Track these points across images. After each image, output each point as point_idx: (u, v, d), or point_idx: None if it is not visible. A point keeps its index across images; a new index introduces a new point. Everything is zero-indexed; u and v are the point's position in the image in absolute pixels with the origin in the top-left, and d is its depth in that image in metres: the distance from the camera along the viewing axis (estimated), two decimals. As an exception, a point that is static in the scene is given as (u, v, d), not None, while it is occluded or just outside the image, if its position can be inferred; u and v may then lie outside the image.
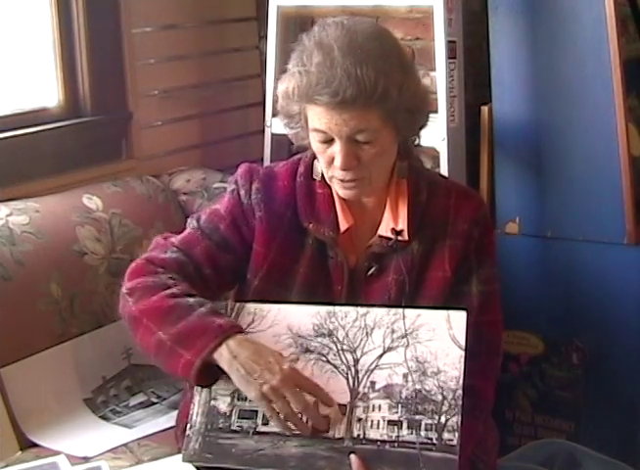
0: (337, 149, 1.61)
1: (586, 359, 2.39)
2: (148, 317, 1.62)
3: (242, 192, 1.75)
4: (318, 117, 1.60)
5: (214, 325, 1.57)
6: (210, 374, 1.57)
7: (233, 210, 1.75)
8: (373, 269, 1.72)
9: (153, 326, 1.60)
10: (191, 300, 1.62)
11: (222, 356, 1.55)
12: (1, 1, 2.31)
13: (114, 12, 2.47)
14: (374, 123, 1.59)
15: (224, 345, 1.55)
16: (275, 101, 1.73)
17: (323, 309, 1.61)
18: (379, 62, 1.57)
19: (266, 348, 1.57)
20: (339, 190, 1.69)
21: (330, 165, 1.65)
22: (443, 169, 2.28)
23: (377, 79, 1.55)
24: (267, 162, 2.54)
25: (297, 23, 2.60)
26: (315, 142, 1.65)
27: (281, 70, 1.73)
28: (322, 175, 1.72)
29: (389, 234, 1.70)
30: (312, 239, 1.73)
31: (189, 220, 1.79)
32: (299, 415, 1.51)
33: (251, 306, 1.65)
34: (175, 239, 1.75)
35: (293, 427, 1.52)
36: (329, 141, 1.62)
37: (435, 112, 2.23)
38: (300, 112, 1.65)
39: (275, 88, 1.75)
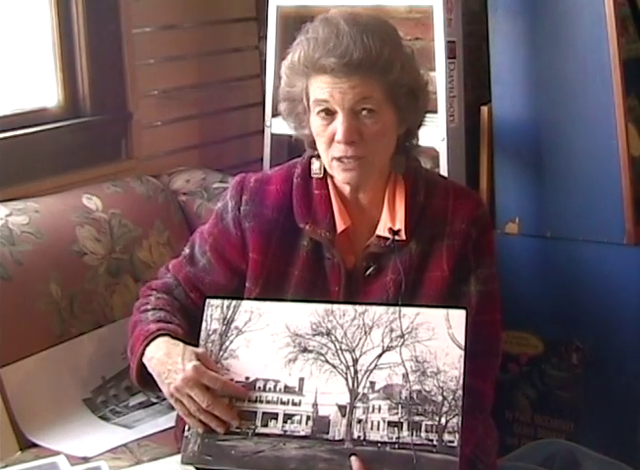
0: (338, 123, 1.61)
1: (586, 359, 2.38)
2: (129, 335, 1.76)
3: (231, 203, 1.77)
4: (321, 87, 1.60)
5: (143, 331, 1.67)
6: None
7: (214, 230, 1.80)
8: (371, 269, 1.71)
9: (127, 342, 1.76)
10: (150, 313, 1.72)
11: (146, 360, 1.64)
12: (1, 1, 2.31)
13: (114, 12, 2.47)
14: (377, 95, 1.60)
15: (147, 349, 1.64)
16: (277, 87, 1.75)
17: (321, 308, 1.60)
18: (384, 35, 1.62)
19: (179, 348, 1.61)
20: (338, 174, 1.67)
21: (330, 145, 1.64)
22: (443, 169, 2.28)
23: (382, 47, 1.59)
24: (267, 162, 2.54)
25: (297, 24, 2.59)
26: (316, 120, 1.64)
27: (281, 71, 1.73)
28: (323, 172, 1.71)
29: (387, 234, 1.70)
30: (308, 240, 1.73)
31: (186, 247, 1.85)
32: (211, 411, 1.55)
33: (248, 305, 1.64)
34: (171, 264, 1.85)
35: (208, 423, 1.55)
36: (330, 115, 1.62)
37: (435, 112, 2.23)
38: (303, 90, 1.65)
39: (275, 88, 1.75)
